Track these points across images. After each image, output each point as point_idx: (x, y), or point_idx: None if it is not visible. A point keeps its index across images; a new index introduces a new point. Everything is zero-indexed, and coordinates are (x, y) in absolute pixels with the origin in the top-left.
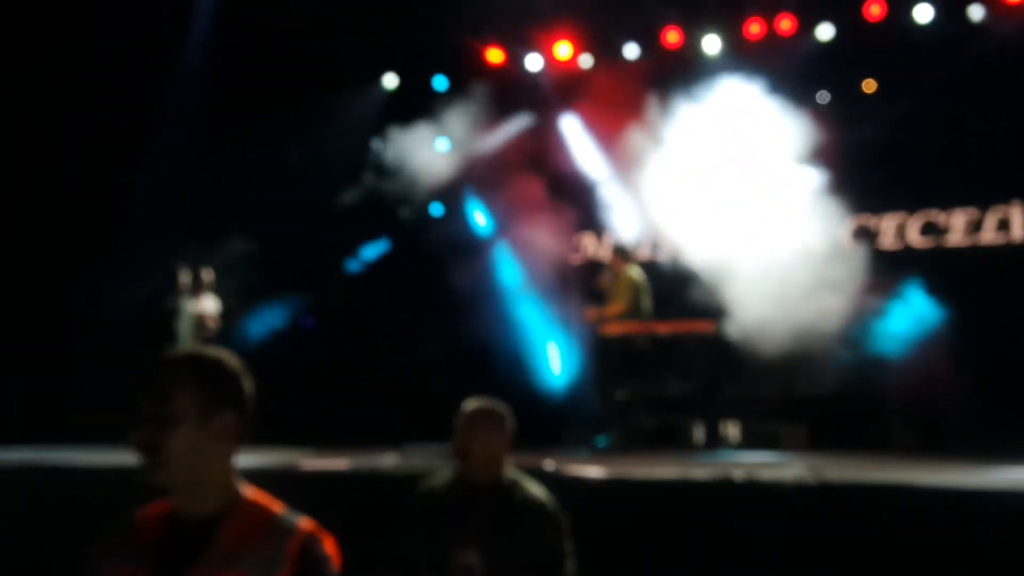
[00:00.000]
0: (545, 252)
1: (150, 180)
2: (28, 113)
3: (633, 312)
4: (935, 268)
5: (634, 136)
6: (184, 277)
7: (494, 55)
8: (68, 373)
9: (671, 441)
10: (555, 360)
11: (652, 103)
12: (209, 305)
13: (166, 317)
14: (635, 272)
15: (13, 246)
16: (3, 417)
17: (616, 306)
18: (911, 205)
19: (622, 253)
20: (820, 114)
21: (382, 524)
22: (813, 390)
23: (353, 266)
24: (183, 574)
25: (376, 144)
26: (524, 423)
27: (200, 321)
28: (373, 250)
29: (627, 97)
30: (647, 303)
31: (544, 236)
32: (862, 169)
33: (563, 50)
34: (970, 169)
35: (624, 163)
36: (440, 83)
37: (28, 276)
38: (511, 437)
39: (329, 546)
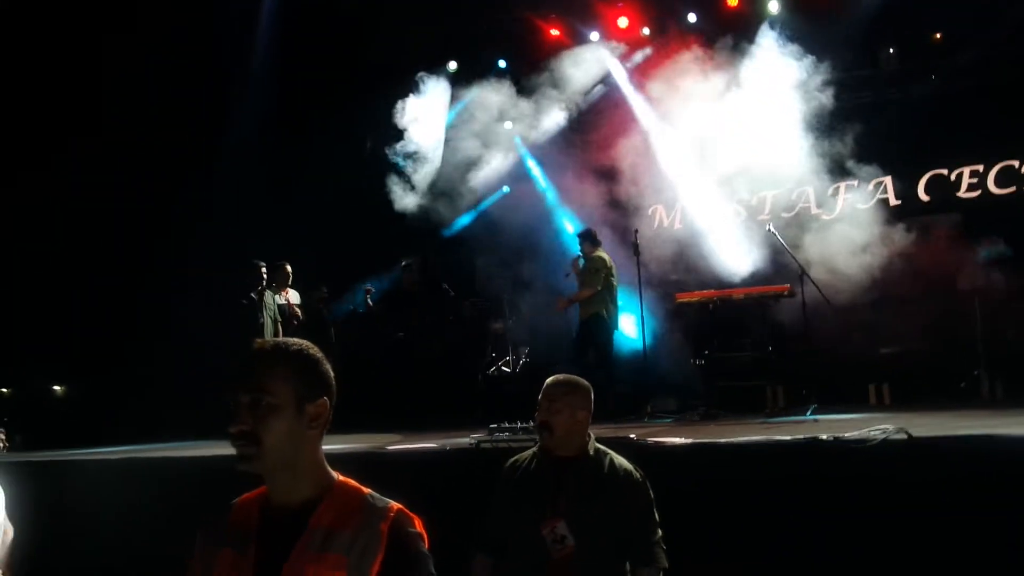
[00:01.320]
0: (612, 224)
1: (226, 176)
2: (104, 119)
3: (604, 294)
4: (1015, 215)
5: (699, 100)
6: (264, 271)
7: (554, 31)
8: (160, 372)
9: (753, 406)
10: (630, 327)
11: (715, 68)
12: (292, 297)
13: (250, 312)
14: (603, 255)
15: (97, 249)
16: (101, 417)
17: (587, 290)
18: (987, 155)
19: (590, 238)
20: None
21: (471, 501)
22: (897, 347)
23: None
24: (283, 558)
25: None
26: (605, 395)
27: (284, 313)
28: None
29: (689, 65)
30: (615, 284)
31: (610, 208)
32: (933, 122)
33: (623, 22)
34: None
35: (688, 130)
36: (502, 64)
37: (115, 278)
38: (592, 409)
39: (419, 526)
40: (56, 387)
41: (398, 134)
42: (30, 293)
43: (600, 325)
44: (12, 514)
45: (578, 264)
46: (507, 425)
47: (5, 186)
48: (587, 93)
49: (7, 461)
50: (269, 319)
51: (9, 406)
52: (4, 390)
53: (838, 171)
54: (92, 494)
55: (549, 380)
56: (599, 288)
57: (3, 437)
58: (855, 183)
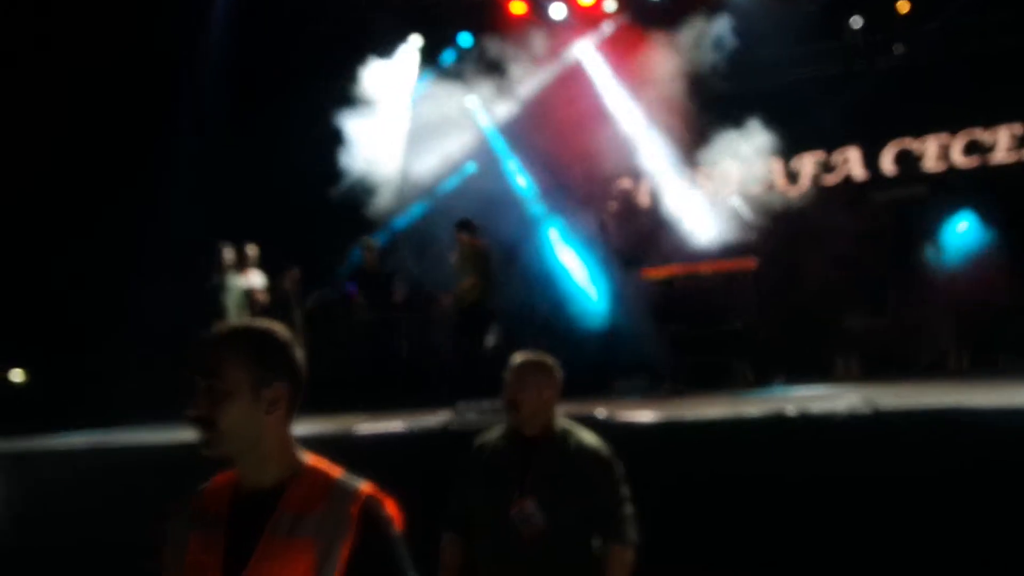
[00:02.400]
0: (583, 198)
1: (189, 154)
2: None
3: (486, 282)
4: (981, 187)
5: (662, 75)
6: (228, 253)
7: (517, 7)
8: (121, 356)
9: (720, 381)
10: (591, 290)
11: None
12: (256, 279)
13: (213, 294)
14: (481, 244)
15: (57, 228)
16: (62, 401)
17: (470, 279)
18: (953, 125)
19: (467, 227)
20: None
21: (439, 481)
22: (864, 319)
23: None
24: (253, 541)
25: None
26: (572, 372)
27: (248, 295)
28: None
29: (653, 37)
30: (495, 271)
31: (580, 183)
32: (900, 92)
33: None
34: (1012, 84)
35: (653, 104)
36: (465, 40)
37: (76, 260)
38: (560, 387)
39: (390, 507)
40: (12, 373)
41: (360, 103)
42: None
43: (482, 314)
44: None
45: (456, 255)
46: (475, 404)
47: None
48: (551, 69)
49: None
50: (233, 302)
51: None
52: None
53: (804, 144)
54: (60, 485)
55: (515, 358)
56: (480, 278)
57: None
58: (822, 156)
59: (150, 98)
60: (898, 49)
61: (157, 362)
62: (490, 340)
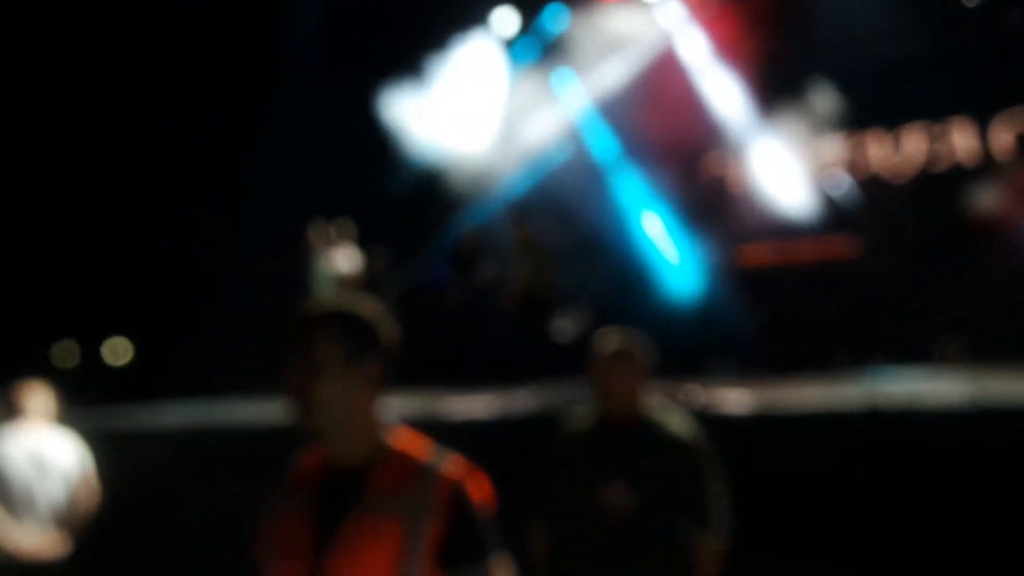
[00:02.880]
0: (676, 176)
1: (283, 131)
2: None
3: (543, 275)
4: None
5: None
6: (319, 230)
7: None
8: (219, 331)
9: (815, 364)
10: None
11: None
12: (347, 257)
13: (304, 270)
14: (537, 236)
15: (157, 203)
16: (163, 373)
17: (530, 274)
18: None
19: (520, 219)
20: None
21: (527, 464)
22: (970, 302)
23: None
24: (342, 517)
25: None
26: (664, 353)
27: (338, 273)
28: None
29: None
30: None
31: (674, 160)
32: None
33: None
34: None
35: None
36: (555, 16)
37: (174, 236)
38: (649, 370)
39: (478, 487)
40: (113, 344)
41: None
42: (92, 249)
43: (542, 305)
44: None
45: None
46: (565, 385)
47: (71, 149)
48: (645, 44)
49: (72, 419)
50: (323, 279)
51: (67, 363)
52: (61, 346)
53: (911, 118)
54: (158, 462)
55: (604, 341)
56: (540, 270)
57: (54, 397)
58: (929, 130)
59: (247, 73)
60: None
61: (253, 337)
62: (565, 328)
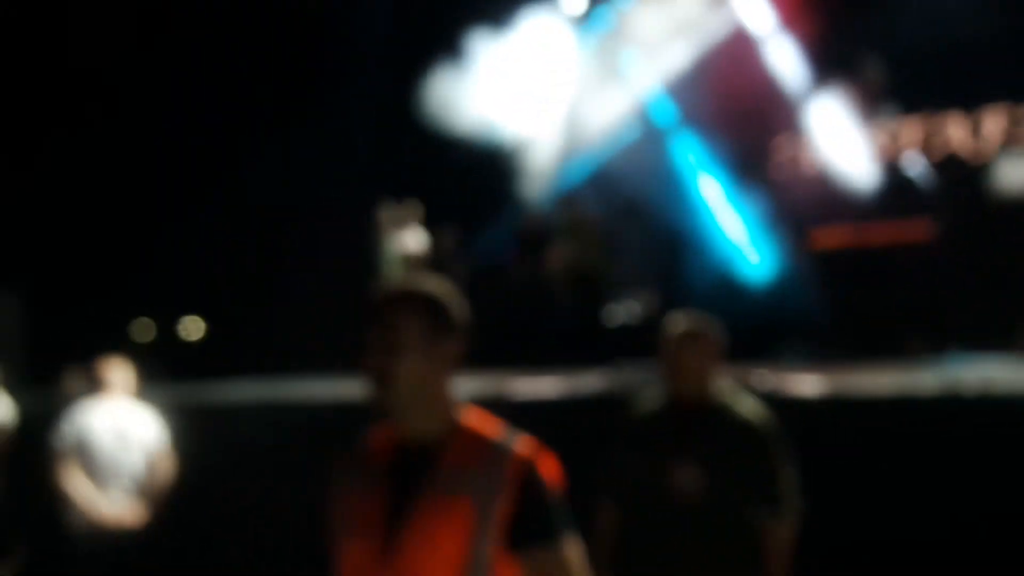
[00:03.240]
0: (747, 157)
1: (351, 109)
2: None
3: (594, 256)
4: None
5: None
6: (388, 210)
7: None
8: (295, 308)
9: (891, 351)
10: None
11: None
12: (416, 237)
13: (374, 251)
14: (591, 217)
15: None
16: (240, 350)
17: (580, 254)
18: None
19: (571, 200)
20: None
21: (596, 444)
22: None
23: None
24: (414, 495)
25: None
26: (735, 336)
27: (409, 252)
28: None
29: None
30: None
31: (744, 141)
32: None
33: None
34: None
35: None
36: None
37: (253, 216)
38: (720, 352)
39: (549, 467)
40: (190, 322)
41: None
42: (168, 230)
43: (597, 286)
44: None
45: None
46: (634, 367)
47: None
48: (716, 25)
49: (152, 394)
50: (392, 259)
51: (146, 339)
52: (142, 323)
53: (990, 100)
54: (233, 435)
55: (674, 323)
56: (591, 251)
57: (134, 372)
58: (1009, 112)
59: (313, 50)
60: None
61: (324, 317)
62: (623, 310)
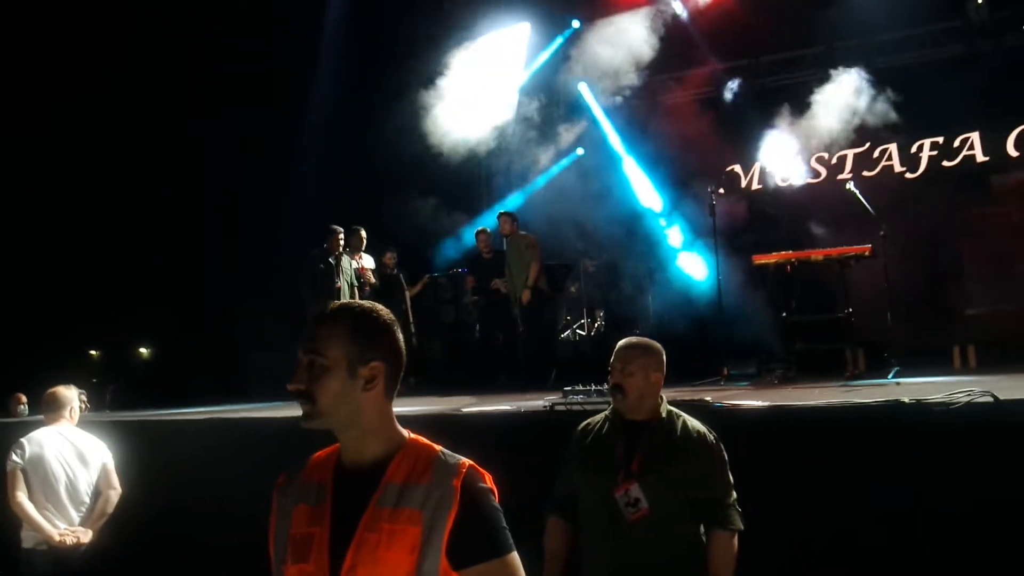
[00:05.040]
0: (687, 184)
1: (307, 141)
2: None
3: (526, 276)
4: None
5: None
6: (340, 236)
7: None
8: (243, 335)
9: (832, 369)
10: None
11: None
12: (366, 262)
13: (326, 275)
14: (533, 236)
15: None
16: (185, 378)
17: (533, 268)
18: None
19: (513, 217)
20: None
21: (545, 464)
22: (983, 308)
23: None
24: (358, 513)
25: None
26: (681, 357)
27: (358, 277)
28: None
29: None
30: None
31: (685, 170)
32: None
33: None
34: None
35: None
36: (573, 25)
37: (198, 244)
38: (664, 371)
39: (489, 481)
40: (142, 349)
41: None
42: (115, 259)
43: (545, 301)
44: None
45: (489, 241)
46: (581, 388)
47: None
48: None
49: (102, 420)
50: (345, 283)
51: (98, 367)
52: (93, 352)
53: (924, 127)
54: (177, 453)
55: (622, 342)
56: (540, 265)
57: (85, 399)
58: (940, 140)
59: (275, 91)
60: None
61: (278, 340)
62: (571, 330)
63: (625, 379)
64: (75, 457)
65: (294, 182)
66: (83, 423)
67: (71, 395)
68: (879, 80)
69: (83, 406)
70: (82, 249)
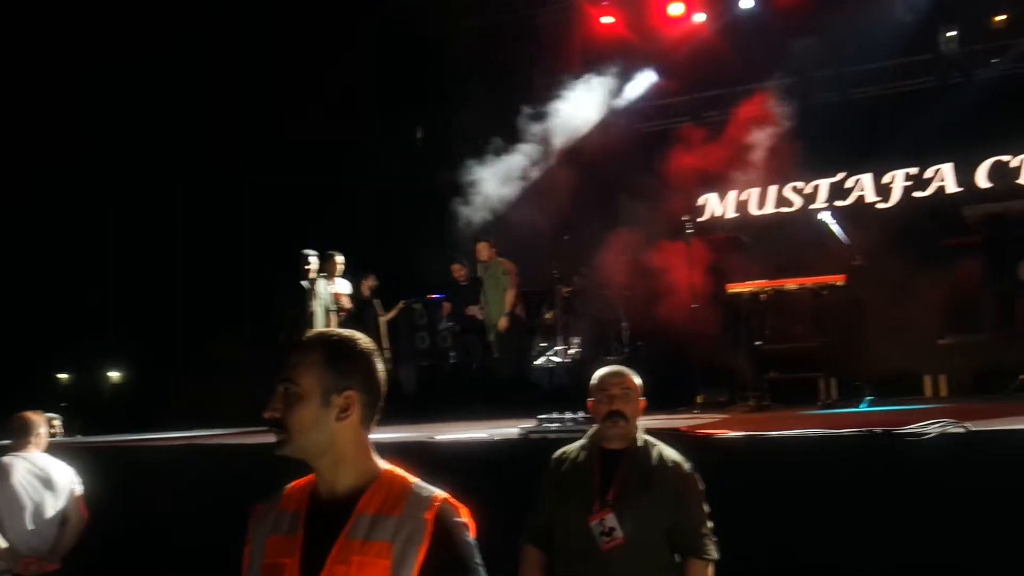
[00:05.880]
0: (662, 212)
1: (282, 166)
2: None
3: (501, 302)
4: None
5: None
6: (314, 261)
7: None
8: (215, 360)
9: (805, 397)
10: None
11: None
12: (341, 287)
13: (301, 300)
14: (509, 261)
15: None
16: (156, 403)
17: (510, 294)
18: None
19: (490, 243)
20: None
21: (520, 491)
22: (955, 338)
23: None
24: (329, 544)
25: None
26: (655, 385)
27: (335, 302)
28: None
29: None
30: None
31: (660, 198)
32: (995, 105)
33: (676, 8)
34: None
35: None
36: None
37: (171, 268)
38: (641, 399)
39: (464, 514)
40: (112, 373)
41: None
42: (88, 283)
43: (522, 328)
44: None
45: (463, 269)
46: (556, 416)
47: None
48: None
49: (72, 445)
50: (320, 308)
51: (68, 391)
52: (62, 376)
53: (896, 158)
54: (148, 480)
55: (610, 370)
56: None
57: (58, 423)
58: (913, 171)
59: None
60: (997, 61)
61: (251, 365)
62: (551, 357)
63: (625, 405)
64: (40, 484)
65: (268, 206)
66: (52, 448)
67: (39, 420)
68: (853, 112)
69: (53, 431)
70: (52, 275)
